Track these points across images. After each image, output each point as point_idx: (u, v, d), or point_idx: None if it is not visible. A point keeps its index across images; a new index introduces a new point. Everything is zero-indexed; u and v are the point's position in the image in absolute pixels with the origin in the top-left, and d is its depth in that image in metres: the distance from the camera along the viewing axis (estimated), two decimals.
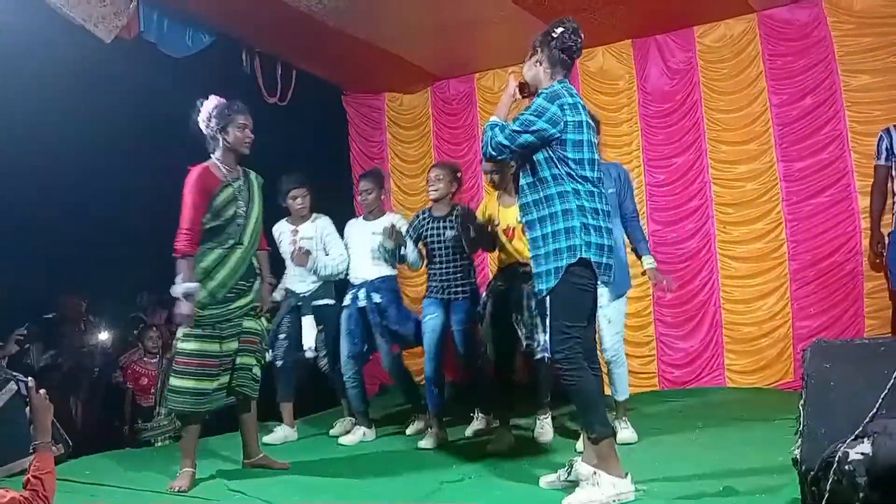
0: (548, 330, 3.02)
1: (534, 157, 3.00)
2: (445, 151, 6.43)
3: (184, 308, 3.45)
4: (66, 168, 5.81)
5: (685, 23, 5.60)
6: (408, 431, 4.64)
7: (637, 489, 2.97)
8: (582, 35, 3.10)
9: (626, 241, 4.07)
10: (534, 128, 2.93)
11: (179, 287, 3.45)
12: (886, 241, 4.47)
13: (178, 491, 3.44)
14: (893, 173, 4.41)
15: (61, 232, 6.30)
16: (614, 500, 2.84)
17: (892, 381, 2.06)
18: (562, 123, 2.93)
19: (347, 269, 4.67)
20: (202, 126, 3.70)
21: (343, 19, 5.24)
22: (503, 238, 4.12)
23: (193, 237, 3.52)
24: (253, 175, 3.81)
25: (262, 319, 3.87)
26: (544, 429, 4.21)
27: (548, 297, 2.97)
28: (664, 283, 4.17)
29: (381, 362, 4.68)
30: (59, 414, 4.81)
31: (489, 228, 4.11)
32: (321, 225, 4.75)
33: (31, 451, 2.31)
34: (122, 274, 6.63)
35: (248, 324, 3.70)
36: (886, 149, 4.41)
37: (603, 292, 3.75)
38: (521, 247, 3.90)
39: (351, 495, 3.35)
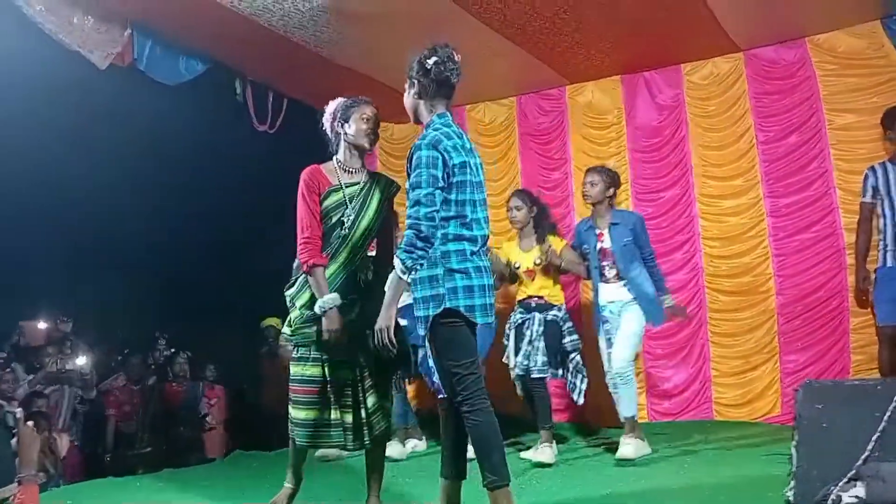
0: (438, 372, 2.93)
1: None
2: None
3: (327, 323, 3.08)
4: (58, 190, 5.81)
5: (673, 60, 5.70)
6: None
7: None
8: (457, 60, 2.96)
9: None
10: (429, 181, 2.80)
11: (318, 304, 3.09)
12: (872, 278, 4.52)
13: None
14: (878, 211, 4.46)
15: (46, 254, 6.26)
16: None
17: (883, 424, 2.07)
18: (446, 167, 2.83)
19: None
20: (326, 126, 3.41)
21: (335, 50, 5.29)
22: (525, 278, 4.74)
23: (314, 245, 3.17)
24: (383, 180, 3.40)
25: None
26: (544, 452, 4.37)
27: (430, 342, 2.91)
28: (683, 314, 4.78)
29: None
30: (42, 440, 4.77)
31: (510, 270, 4.74)
32: None
33: (17, 483, 2.27)
34: (107, 298, 6.59)
35: (343, 374, 3.20)
36: (872, 186, 4.47)
37: (629, 315, 4.40)
38: (539, 284, 4.69)
39: None
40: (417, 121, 3.05)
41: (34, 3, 4.14)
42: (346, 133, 3.30)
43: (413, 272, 2.79)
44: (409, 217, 2.80)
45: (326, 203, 3.23)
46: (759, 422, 5.24)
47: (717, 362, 5.50)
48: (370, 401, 3.19)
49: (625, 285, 4.43)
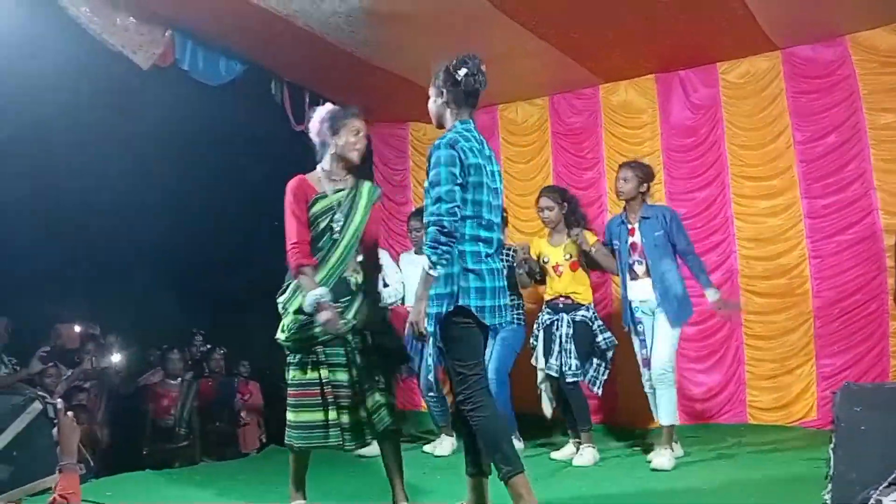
0: (449, 371, 2.99)
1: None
2: None
3: (323, 316, 3.12)
4: (102, 190, 5.92)
5: (709, 59, 5.64)
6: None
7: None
8: (484, 72, 3.04)
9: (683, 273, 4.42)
10: (449, 179, 2.87)
11: (308, 300, 3.15)
12: None
13: None
14: None
15: (88, 253, 6.40)
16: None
17: None
18: (462, 165, 2.90)
19: (403, 298, 4.99)
20: (313, 133, 3.47)
21: (371, 51, 5.33)
22: (552, 273, 4.65)
23: (301, 249, 3.26)
24: (367, 185, 3.46)
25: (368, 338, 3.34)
26: (584, 454, 4.40)
27: (439, 341, 2.94)
28: (731, 311, 4.55)
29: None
30: (82, 433, 4.88)
31: (539, 266, 4.70)
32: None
33: (58, 471, 2.33)
34: (145, 296, 6.72)
35: (358, 359, 3.27)
36: None
37: (661, 317, 4.29)
38: (566, 282, 4.60)
39: None
40: (441, 126, 3.14)
41: (79, 5, 4.25)
42: (335, 144, 3.36)
43: (439, 267, 2.85)
44: (431, 214, 2.87)
45: (314, 210, 3.32)
46: (794, 426, 5.18)
47: (751, 365, 5.44)
48: (370, 400, 3.23)
49: (653, 283, 4.33)
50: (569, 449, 4.59)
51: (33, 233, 5.96)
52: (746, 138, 5.56)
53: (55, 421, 2.59)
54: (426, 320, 2.90)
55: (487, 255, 2.96)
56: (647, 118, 5.92)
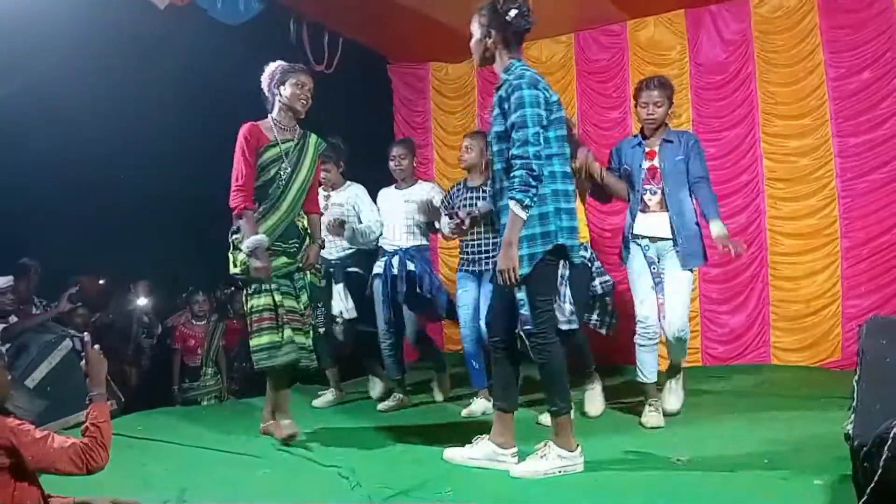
0: (525, 307, 2.97)
1: (505, 145, 2.94)
2: (490, 122, 6.37)
3: (255, 262, 3.48)
4: (119, 134, 5.91)
5: None
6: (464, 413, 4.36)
7: (678, 461, 3.00)
8: (532, 12, 3.00)
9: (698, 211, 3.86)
10: (535, 120, 2.87)
11: (246, 243, 3.47)
12: None
13: (289, 437, 3.60)
14: None
15: (110, 197, 6.44)
16: (560, 471, 2.93)
17: None
18: (547, 105, 2.92)
19: (380, 237, 4.63)
20: (264, 85, 3.74)
21: None
22: None
23: (247, 192, 3.55)
24: (313, 138, 3.78)
25: (307, 276, 3.77)
26: (593, 401, 4.13)
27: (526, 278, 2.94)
28: (734, 250, 3.69)
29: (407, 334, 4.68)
30: (111, 372, 5.01)
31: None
32: (354, 193, 4.75)
33: (88, 402, 2.39)
34: (171, 239, 6.78)
35: (305, 297, 3.70)
36: None
37: (673, 262, 3.77)
38: None
39: (396, 457, 3.40)
40: (484, 65, 3.13)
41: None
42: (281, 95, 3.66)
43: (529, 210, 2.87)
44: (520, 157, 2.84)
45: (265, 157, 3.60)
46: (818, 366, 5.15)
47: (776, 306, 5.39)
48: (286, 333, 3.56)
49: (671, 217, 3.76)
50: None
51: (58, 180, 6.01)
52: (778, 75, 5.40)
53: (83, 354, 2.64)
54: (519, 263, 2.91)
55: (567, 194, 3.00)
56: (675, 55, 5.76)
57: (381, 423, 4.19)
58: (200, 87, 5.89)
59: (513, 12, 2.96)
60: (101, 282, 6.52)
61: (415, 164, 4.75)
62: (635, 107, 3.98)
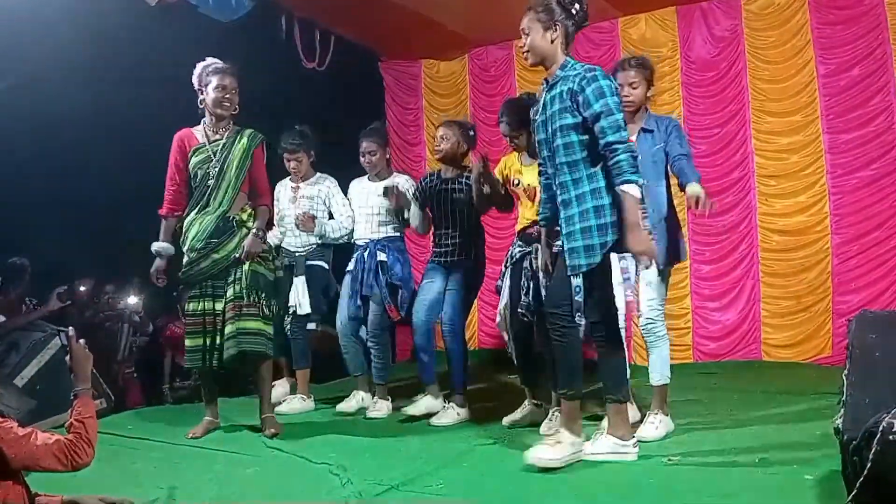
0: (581, 294, 2.95)
1: (575, 137, 2.94)
2: (482, 119, 6.38)
3: (154, 265, 3.79)
4: (109, 131, 5.87)
5: None
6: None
7: (669, 460, 3.00)
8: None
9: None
10: (618, 107, 2.91)
11: (153, 247, 3.79)
12: None
13: (192, 437, 3.71)
14: None
15: (101, 195, 6.41)
16: (573, 457, 2.95)
17: None
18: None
19: (351, 233, 4.50)
20: (196, 87, 3.79)
21: None
22: (524, 198, 3.78)
23: (171, 198, 3.78)
24: (246, 135, 3.76)
25: (248, 267, 3.68)
26: None
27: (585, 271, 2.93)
28: (704, 207, 3.31)
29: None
30: (102, 370, 4.98)
31: (505, 187, 3.84)
32: (326, 186, 4.60)
33: (73, 397, 2.37)
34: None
35: (229, 291, 3.68)
36: None
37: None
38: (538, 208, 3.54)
39: (388, 454, 3.39)
40: (541, 63, 3.05)
41: None
42: (206, 97, 3.71)
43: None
44: (619, 142, 2.84)
45: (194, 161, 3.70)
46: (808, 363, 5.17)
47: (767, 303, 5.41)
48: (232, 326, 3.63)
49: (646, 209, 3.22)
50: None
51: (48, 178, 5.97)
52: (769, 72, 5.42)
53: (67, 348, 2.61)
54: (570, 256, 2.95)
55: (609, 190, 2.99)
56: (666, 52, 5.77)
57: (370, 418, 4.18)
58: (191, 84, 5.86)
59: (577, 5, 2.97)
60: (91, 280, 6.49)
61: (388, 156, 4.54)
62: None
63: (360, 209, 4.45)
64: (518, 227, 3.87)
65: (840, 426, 2.11)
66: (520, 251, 3.79)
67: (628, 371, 3.34)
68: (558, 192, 3.03)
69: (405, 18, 5.74)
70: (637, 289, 3.47)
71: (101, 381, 4.77)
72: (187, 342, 3.75)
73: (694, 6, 5.63)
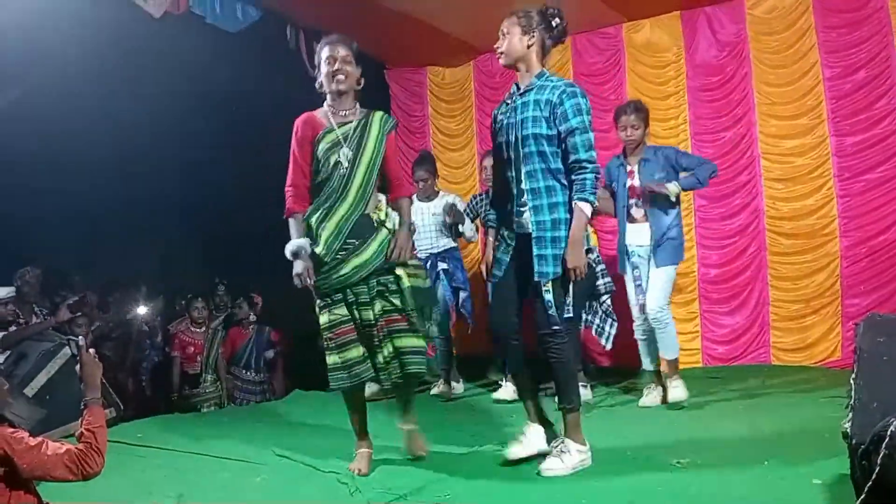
0: (553, 308, 3.02)
1: (549, 147, 3.01)
2: (488, 126, 6.36)
3: (295, 268, 3.09)
4: (118, 141, 5.93)
5: None
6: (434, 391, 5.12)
7: (678, 463, 3.00)
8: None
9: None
10: (590, 125, 3.02)
11: (287, 248, 3.12)
12: None
13: (358, 474, 3.15)
14: None
15: (111, 204, 6.45)
16: (581, 465, 3.03)
17: None
18: None
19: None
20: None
21: None
22: None
23: (296, 193, 3.18)
24: (378, 117, 3.26)
25: (403, 276, 3.19)
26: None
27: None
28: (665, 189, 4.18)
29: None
30: (111, 379, 5.00)
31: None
32: (452, 200, 5.07)
33: (83, 406, 2.38)
34: (168, 246, 6.79)
35: (379, 303, 3.17)
36: None
37: (652, 262, 4.26)
38: None
39: (396, 462, 3.39)
40: (513, 66, 3.16)
41: None
42: (320, 76, 3.22)
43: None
44: (589, 161, 2.96)
45: (321, 146, 3.16)
46: (818, 366, 5.14)
47: (776, 306, 5.39)
48: (392, 344, 3.16)
49: (650, 225, 4.28)
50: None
51: (58, 187, 6.02)
52: (774, 76, 5.40)
53: (78, 357, 2.63)
54: (546, 262, 3.03)
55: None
56: (671, 57, 5.77)
57: (379, 427, 4.18)
58: (199, 94, 5.90)
59: (556, 21, 3.13)
60: (100, 290, 6.52)
61: (437, 178, 5.27)
62: (616, 128, 4.39)
63: (420, 227, 4.78)
64: None
65: (848, 430, 2.11)
66: None
67: None
68: (528, 198, 3.05)
69: (410, 27, 5.76)
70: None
71: (110, 389, 4.80)
72: (329, 359, 3.17)
73: (698, 11, 5.63)
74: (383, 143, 3.22)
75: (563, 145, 2.99)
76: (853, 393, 2.17)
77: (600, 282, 4.58)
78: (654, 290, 4.25)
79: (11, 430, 2.18)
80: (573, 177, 2.98)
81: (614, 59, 6.01)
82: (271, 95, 6.30)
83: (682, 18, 5.72)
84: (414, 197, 4.84)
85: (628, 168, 4.34)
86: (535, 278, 3.00)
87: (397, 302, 3.17)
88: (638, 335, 4.41)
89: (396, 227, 3.25)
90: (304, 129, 3.19)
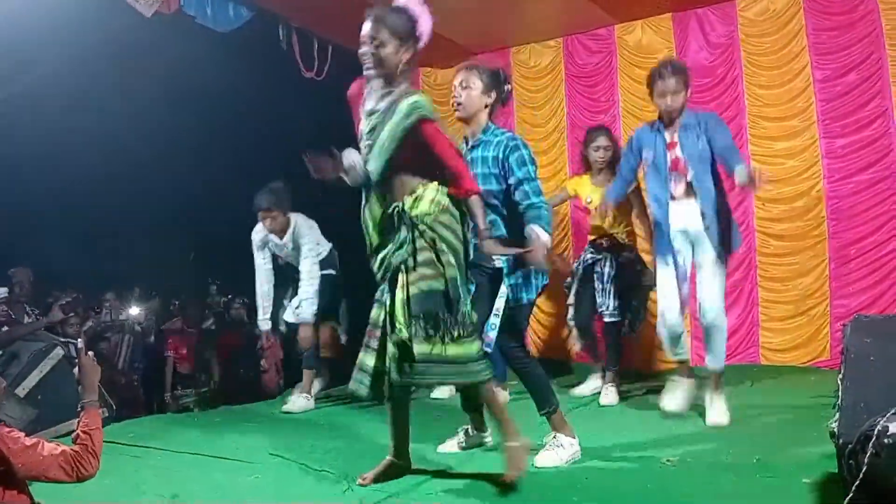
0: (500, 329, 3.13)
1: (499, 203, 3.17)
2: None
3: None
4: (109, 142, 5.92)
5: None
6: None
7: (667, 462, 3.04)
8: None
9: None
10: (535, 172, 3.18)
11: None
12: None
13: (362, 483, 2.94)
14: None
15: (103, 205, 6.44)
16: (574, 456, 3.15)
17: None
18: None
19: None
20: None
21: None
22: (594, 212, 4.61)
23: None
24: (405, 102, 2.80)
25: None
26: (609, 394, 4.53)
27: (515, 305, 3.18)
28: (761, 181, 3.46)
29: None
30: (104, 379, 5.00)
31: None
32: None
33: (79, 409, 2.39)
34: (161, 248, 6.78)
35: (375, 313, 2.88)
36: None
37: (704, 247, 3.65)
38: (611, 222, 4.58)
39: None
40: (467, 119, 3.27)
41: None
42: None
43: None
44: (542, 202, 3.08)
45: (360, 128, 2.92)
46: (807, 366, 5.18)
47: (765, 307, 5.42)
48: (396, 348, 2.76)
49: (700, 203, 3.66)
50: (593, 383, 4.76)
51: (50, 187, 6.01)
52: (765, 78, 5.44)
53: (76, 361, 2.64)
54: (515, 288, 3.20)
55: None
56: (663, 58, 5.79)
57: (373, 425, 4.19)
58: (190, 94, 5.90)
59: (507, 85, 3.32)
60: (93, 291, 6.52)
61: None
62: (650, 95, 3.81)
63: None
64: (590, 238, 4.84)
65: (836, 430, 2.14)
66: (591, 257, 4.73)
67: None
68: (496, 228, 3.16)
69: None
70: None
71: (103, 389, 4.80)
72: (360, 359, 2.90)
73: (690, 13, 5.67)
74: (401, 133, 2.80)
75: (513, 194, 3.12)
76: (840, 393, 2.20)
77: (644, 280, 4.65)
78: (711, 286, 3.65)
79: (7, 429, 2.19)
80: (528, 213, 3.07)
81: (606, 61, 6.04)
82: (264, 96, 6.31)
83: (674, 20, 5.75)
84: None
85: (668, 139, 3.75)
86: (513, 305, 3.17)
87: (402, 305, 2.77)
88: (667, 332, 3.85)
89: (437, 221, 2.79)
90: (354, 99, 2.98)
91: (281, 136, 6.49)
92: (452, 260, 2.78)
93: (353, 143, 2.95)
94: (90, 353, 2.52)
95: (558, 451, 3.13)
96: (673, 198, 3.75)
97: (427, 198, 2.82)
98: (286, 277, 4.89)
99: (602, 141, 4.78)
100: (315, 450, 3.59)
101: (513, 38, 6.29)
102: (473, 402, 3.34)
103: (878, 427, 1.93)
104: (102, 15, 4.68)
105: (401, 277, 2.78)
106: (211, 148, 6.58)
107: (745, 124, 5.49)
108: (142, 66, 5.50)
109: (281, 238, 4.81)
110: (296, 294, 4.74)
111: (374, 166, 2.85)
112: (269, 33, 5.64)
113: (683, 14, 5.69)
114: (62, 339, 4.69)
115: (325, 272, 4.83)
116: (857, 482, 1.96)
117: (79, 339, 2.65)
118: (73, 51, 5.05)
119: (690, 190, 3.70)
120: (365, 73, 2.87)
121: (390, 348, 2.77)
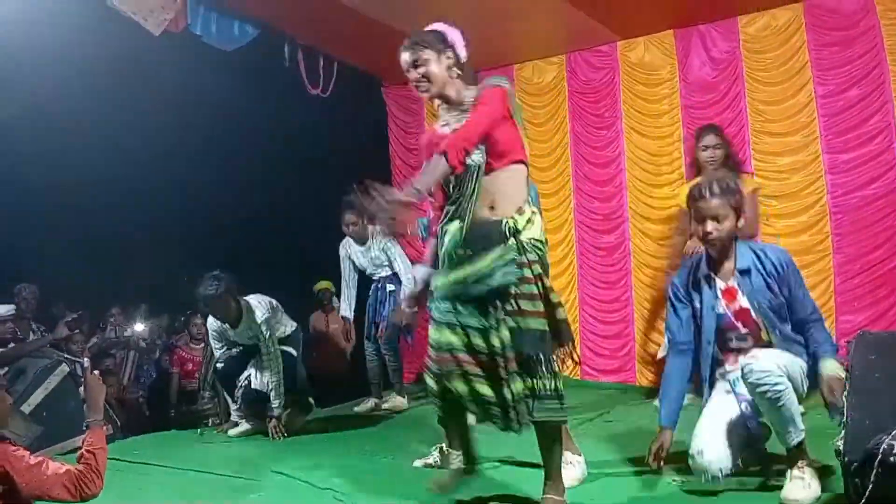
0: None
1: None
2: None
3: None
4: (116, 158, 5.95)
5: (729, 12, 5.50)
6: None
7: (673, 482, 3.01)
8: None
9: None
10: None
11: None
12: None
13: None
14: None
15: (108, 221, 6.47)
16: (583, 475, 3.12)
17: None
18: None
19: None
20: None
21: (383, 10, 5.28)
22: None
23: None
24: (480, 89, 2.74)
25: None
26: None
27: None
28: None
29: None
30: (108, 396, 5.00)
31: None
32: None
33: (85, 427, 2.40)
34: (168, 263, 6.80)
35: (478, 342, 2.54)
36: None
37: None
38: None
39: (390, 478, 3.39)
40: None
41: None
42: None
43: None
44: None
45: None
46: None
47: None
48: (517, 385, 2.52)
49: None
50: None
51: (56, 204, 6.05)
52: (767, 93, 5.45)
53: (82, 379, 2.65)
54: None
55: None
56: (665, 75, 5.82)
57: (376, 442, 4.19)
58: (197, 112, 5.95)
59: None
60: (98, 307, 6.54)
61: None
62: (689, 218, 3.00)
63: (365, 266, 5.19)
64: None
65: (841, 448, 2.13)
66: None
67: None
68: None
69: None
70: None
71: (108, 406, 4.80)
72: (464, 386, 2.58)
73: (692, 29, 5.69)
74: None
75: None
76: (845, 410, 2.19)
77: None
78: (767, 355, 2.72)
79: (13, 447, 2.20)
80: None
81: (609, 78, 6.07)
82: (268, 112, 6.35)
83: (676, 37, 5.77)
84: (349, 239, 5.13)
85: (721, 285, 2.88)
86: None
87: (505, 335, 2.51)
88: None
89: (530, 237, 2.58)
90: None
91: (287, 153, 6.54)
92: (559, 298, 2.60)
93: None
94: (96, 371, 2.54)
95: (569, 469, 3.02)
96: (737, 358, 2.92)
97: (538, 224, 2.63)
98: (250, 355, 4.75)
99: (710, 139, 4.62)
100: (318, 467, 3.59)
101: (516, 55, 6.33)
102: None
103: (884, 445, 1.93)
104: (111, 32, 4.73)
105: (499, 304, 2.50)
106: (217, 165, 6.62)
107: (749, 140, 5.50)
108: (149, 84, 5.55)
109: (235, 327, 4.63)
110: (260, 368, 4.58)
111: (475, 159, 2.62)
112: (275, 51, 5.69)
113: (685, 30, 5.72)
114: (67, 356, 4.70)
115: (285, 349, 4.68)
116: (864, 500, 1.95)
117: (85, 359, 2.67)
118: (82, 69, 5.10)
119: (763, 341, 2.88)
120: (421, 95, 2.85)
121: (512, 381, 2.51)
